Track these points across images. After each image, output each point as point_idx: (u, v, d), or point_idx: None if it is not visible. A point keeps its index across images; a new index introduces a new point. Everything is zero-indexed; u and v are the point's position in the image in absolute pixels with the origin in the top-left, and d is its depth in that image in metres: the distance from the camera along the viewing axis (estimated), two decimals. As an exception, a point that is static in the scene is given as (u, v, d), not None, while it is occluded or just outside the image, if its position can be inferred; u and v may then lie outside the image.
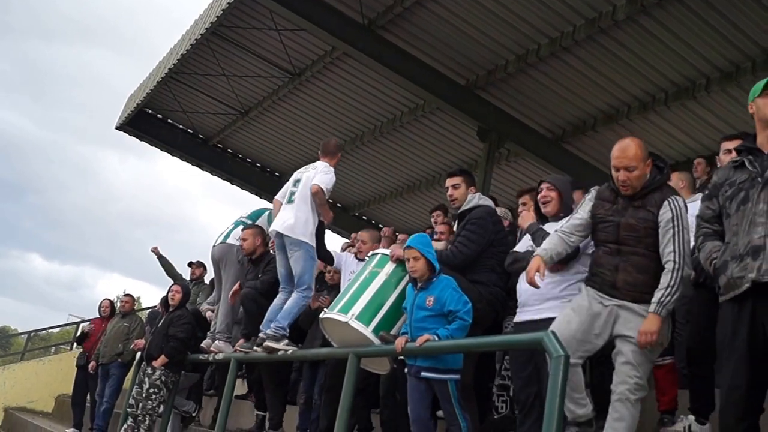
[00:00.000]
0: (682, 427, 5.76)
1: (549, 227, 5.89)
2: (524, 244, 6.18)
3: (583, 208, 5.35)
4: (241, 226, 9.80)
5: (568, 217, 5.54)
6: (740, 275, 4.18)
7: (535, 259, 5.21)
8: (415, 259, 6.14)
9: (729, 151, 5.98)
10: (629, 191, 5.10)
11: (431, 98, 14.74)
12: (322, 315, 6.87)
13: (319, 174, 8.18)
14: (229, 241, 9.78)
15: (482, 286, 6.44)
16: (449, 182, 7.02)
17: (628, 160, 5.05)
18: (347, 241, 12.16)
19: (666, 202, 5.00)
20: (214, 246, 9.93)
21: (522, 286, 5.84)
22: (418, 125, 16.77)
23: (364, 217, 21.72)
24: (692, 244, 4.94)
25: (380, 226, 20.82)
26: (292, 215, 8.12)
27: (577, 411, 5.10)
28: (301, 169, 8.52)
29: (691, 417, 5.78)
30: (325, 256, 8.79)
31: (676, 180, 6.84)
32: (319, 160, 8.54)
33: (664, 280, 4.87)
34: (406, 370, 6.29)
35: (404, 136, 17.33)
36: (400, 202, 20.37)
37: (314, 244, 8.16)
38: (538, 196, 6.14)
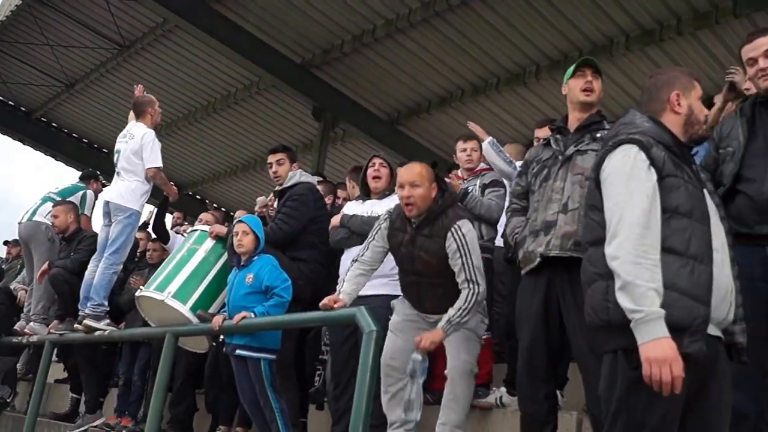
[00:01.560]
0: (494, 398, 5.92)
1: (370, 205, 5.86)
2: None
3: (380, 234, 5.30)
4: (50, 203, 9.35)
5: (366, 243, 5.39)
6: (533, 249, 4.39)
7: (339, 302, 5.06)
8: (245, 233, 6.03)
9: (538, 139, 6.27)
10: (414, 211, 5.04)
11: (266, 75, 14.51)
12: (138, 293, 6.71)
13: (146, 151, 7.80)
14: (36, 218, 9.29)
15: (303, 263, 6.39)
16: (273, 158, 6.91)
17: (412, 176, 5.04)
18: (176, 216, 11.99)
19: (449, 234, 4.98)
20: (20, 223, 9.42)
21: (346, 263, 5.85)
22: (252, 102, 16.49)
23: (197, 197, 21.29)
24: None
25: (214, 205, 20.57)
26: (120, 185, 7.82)
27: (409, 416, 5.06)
28: (120, 138, 8.09)
29: (503, 389, 5.95)
30: (163, 234, 8.63)
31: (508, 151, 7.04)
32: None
33: (459, 301, 4.91)
34: (224, 349, 6.18)
35: (239, 114, 17.01)
36: (234, 181, 20.07)
37: (141, 211, 7.91)
38: (369, 170, 6.11)
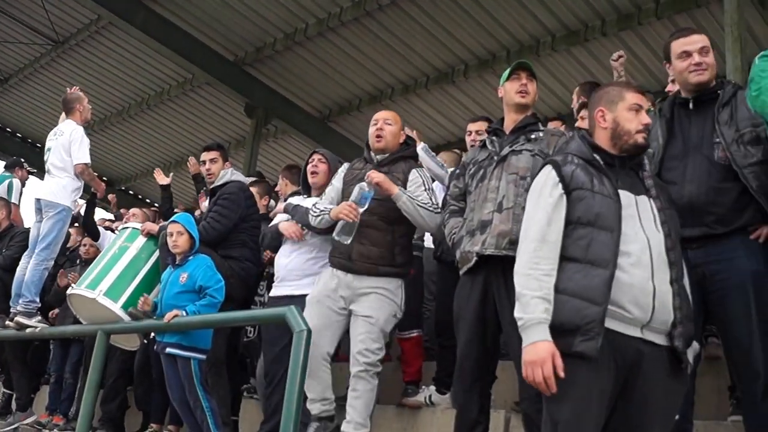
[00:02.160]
0: (423, 397, 5.94)
1: (311, 201, 5.96)
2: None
3: (338, 177, 5.54)
4: None
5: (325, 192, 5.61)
6: (470, 249, 4.42)
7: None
8: (179, 233, 6.06)
9: (470, 133, 6.35)
10: (382, 143, 5.34)
11: (199, 72, 14.59)
12: (69, 291, 6.67)
13: (74, 147, 7.81)
14: None
15: (234, 261, 6.40)
16: (206, 156, 6.90)
17: (388, 115, 5.46)
18: (109, 217, 11.87)
19: (414, 170, 5.28)
20: None
21: (280, 261, 5.96)
22: (186, 99, 16.56)
23: (130, 192, 21.19)
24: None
25: (147, 201, 20.48)
26: (51, 182, 7.79)
27: (322, 407, 5.22)
28: (51, 136, 8.06)
29: (432, 387, 5.98)
30: (92, 230, 8.60)
31: (442, 157, 7.18)
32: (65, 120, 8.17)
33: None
34: (155, 347, 6.22)
35: (172, 110, 17.09)
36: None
37: (72, 207, 7.87)
38: (308, 167, 6.18)
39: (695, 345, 3.33)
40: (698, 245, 3.91)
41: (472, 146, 6.06)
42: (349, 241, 5.00)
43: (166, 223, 6.52)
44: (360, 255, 5.15)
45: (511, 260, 3.45)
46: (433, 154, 6.83)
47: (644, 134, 3.38)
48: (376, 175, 5.00)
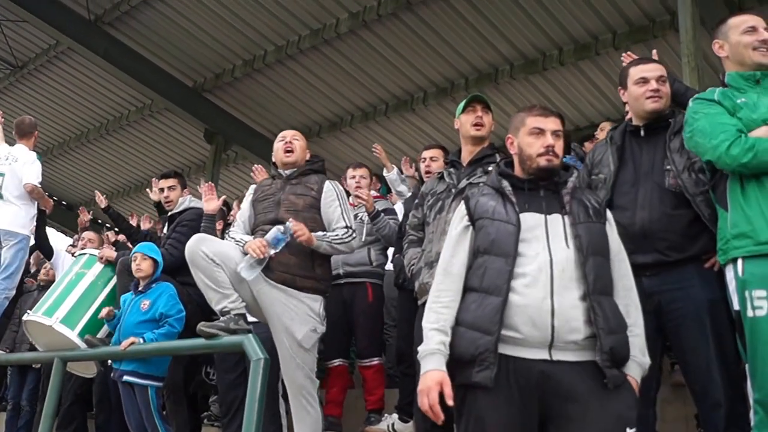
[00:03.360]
0: (386, 425, 6.00)
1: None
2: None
3: (246, 199, 5.56)
4: None
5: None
6: (428, 281, 4.36)
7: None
8: (143, 258, 6.09)
9: (424, 159, 6.34)
10: (292, 157, 5.41)
11: (158, 98, 14.61)
12: (25, 317, 6.62)
13: (26, 169, 7.83)
14: None
15: (192, 288, 6.21)
16: (164, 184, 6.90)
17: (294, 132, 5.60)
18: (71, 241, 11.79)
19: (327, 183, 5.30)
20: None
21: None
22: (145, 124, 16.55)
23: (92, 216, 20.98)
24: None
25: (107, 225, 20.30)
26: (8, 211, 7.77)
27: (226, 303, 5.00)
28: (2, 161, 8.00)
29: (395, 415, 6.02)
30: (46, 248, 8.57)
31: None
32: (16, 143, 8.16)
33: (336, 231, 5.15)
34: (111, 374, 6.19)
35: (131, 135, 17.03)
36: (126, 201, 19.82)
37: (32, 236, 7.88)
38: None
39: (642, 361, 3.29)
40: (652, 272, 3.92)
41: (427, 173, 6.11)
42: (251, 277, 4.90)
43: (123, 252, 6.50)
44: (279, 265, 5.04)
45: None
46: (404, 177, 6.94)
47: (547, 156, 3.38)
48: (300, 232, 4.94)
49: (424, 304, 4.40)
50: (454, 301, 3.28)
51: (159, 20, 13.07)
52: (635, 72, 4.27)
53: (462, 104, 4.85)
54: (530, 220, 3.29)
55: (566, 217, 3.32)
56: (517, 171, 3.49)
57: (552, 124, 3.44)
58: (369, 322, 6.48)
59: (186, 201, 6.83)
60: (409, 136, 14.46)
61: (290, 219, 4.98)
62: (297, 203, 5.20)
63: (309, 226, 5.05)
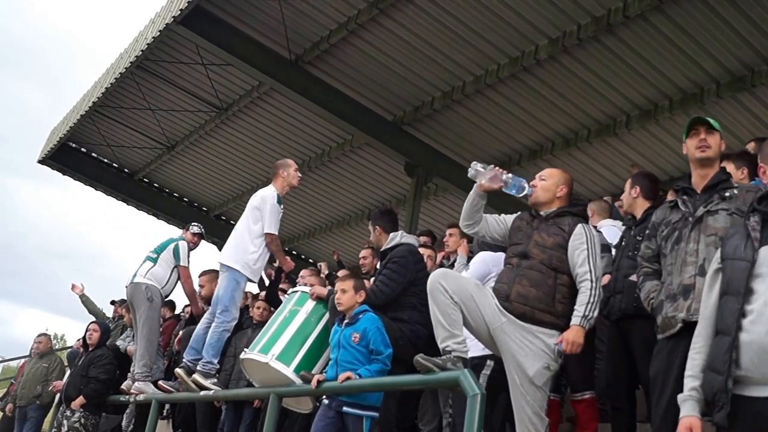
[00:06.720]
0: None
1: None
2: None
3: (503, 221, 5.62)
4: (149, 262, 9.61)
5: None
6: (673, 315, 4.29)
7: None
8: (342, 291, 6.13)
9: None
10: (539, 197, 5.43)
11: (359, 134, 14.88)
12: (242, 355, 6.81)
13: (264, 215, 8.07)
14: (137, 279, 9.46)
15: (403, 323, 6.38)
16: (338, 286, 6.79)
17: (545, 174, 5.60)
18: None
19: (579, 225, 5.20)
20: (126, 286, 9.66)
21: None
22: (346, 160, 16.84)
23: (293, 252, 21.55)
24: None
25: (310, 261, 20.79)
26: (229, 242, 8.12)
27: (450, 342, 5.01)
28: (255, 194, 8.44)
29: None
30: (273, 301, 8.70)
31: (591, 208, 7.22)
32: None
33: (583, 297, 4.97)
34: (325, 401, 6.16)
35: (333, 171, 17.36)
36: (329, 236, 20.31)
37: (247, 274, 7.97)
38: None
39: None
40: None
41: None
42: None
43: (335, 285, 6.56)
44: (518, 295, 5.09)
45: None
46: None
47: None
48: (571, 349, 4.90)
49: (666, 338, 4.35)
50: (705, 346, 3.32)
51: (357, 57, 13.26)
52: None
53: (686, 127, 4.69)
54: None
55: None
56: None
57: None
58: (583, 353, 6.24)
59: (398, 236, 6.84)
60: (612, 161, 14.06)
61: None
62: (546, 241, 5.20)
63: (554, 265, 5.08)
